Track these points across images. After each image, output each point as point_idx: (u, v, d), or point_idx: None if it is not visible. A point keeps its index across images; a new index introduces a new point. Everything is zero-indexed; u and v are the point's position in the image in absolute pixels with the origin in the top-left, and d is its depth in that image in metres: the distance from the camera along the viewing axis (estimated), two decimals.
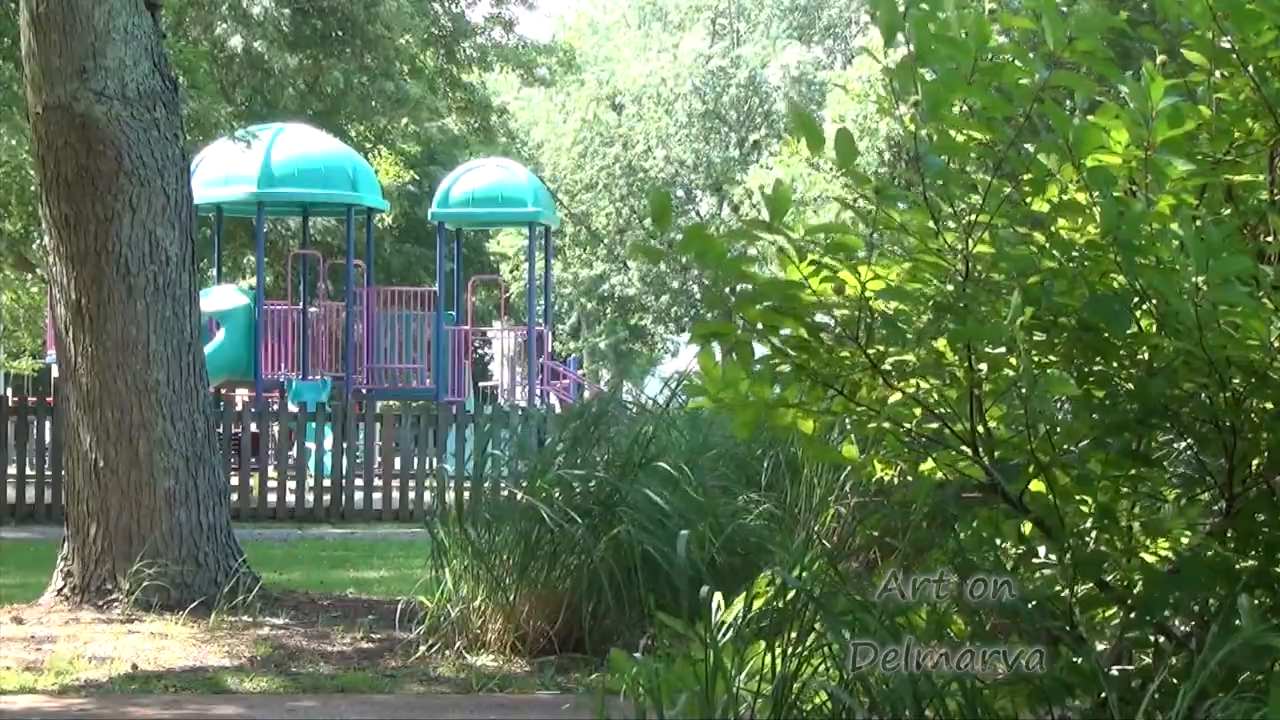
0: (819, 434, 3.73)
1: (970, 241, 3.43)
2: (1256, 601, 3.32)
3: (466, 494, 7.29)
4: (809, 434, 3.66)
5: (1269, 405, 3.45)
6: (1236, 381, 3.34)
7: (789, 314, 3.45)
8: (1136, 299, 3.36)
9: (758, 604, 4.15)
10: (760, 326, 3.49)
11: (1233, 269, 3.13)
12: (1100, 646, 3.64)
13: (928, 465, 3.73)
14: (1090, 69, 3.46)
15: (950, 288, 3.47)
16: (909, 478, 3.86)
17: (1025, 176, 3.49)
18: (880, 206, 3.41)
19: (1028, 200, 3.51)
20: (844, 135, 3.41)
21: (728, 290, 3.48)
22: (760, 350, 3.61)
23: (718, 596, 4.26)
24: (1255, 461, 3.55)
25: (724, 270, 3.43)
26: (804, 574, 4.08)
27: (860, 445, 3.96)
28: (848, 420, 3.81)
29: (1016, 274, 3.39)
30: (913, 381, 3.58)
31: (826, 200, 28.01)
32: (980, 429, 3.54)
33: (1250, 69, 3.52)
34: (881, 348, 3.54)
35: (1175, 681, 3.28)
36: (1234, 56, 3.56)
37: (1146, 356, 3.49)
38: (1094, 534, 3.65)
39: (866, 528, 4.29)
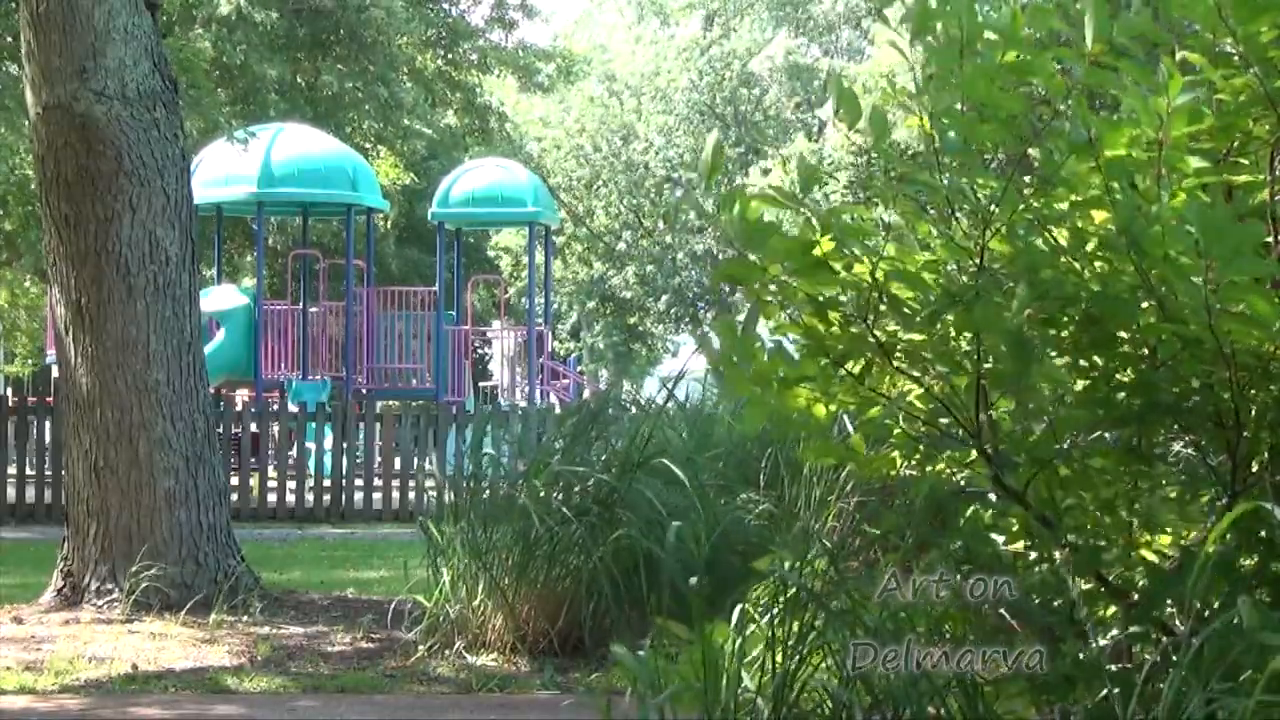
0: (826, 426, 3.72)
1: (986, 234, 3.43)
2: (1258, 599, 3.33)
3: (464, 493, 7.28)
4: (820, 420, 3.66)
5: (1271, 402, 3.46)
6: (1242, 373, 3.34)
7: (810, 276, 3.44)
8: (1144, 292, 3.36)
9: (759, 591, 4.16)
10: (775, 288, 3.49)
11: (1241, 243, 3.12)
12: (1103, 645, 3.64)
13: (938, 465, 3.74)
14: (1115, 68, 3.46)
15: (964, 278, 3.47)
16: (914, 473, 3.86)
17: (1031, 177, 3.49)
18: (899, 194, 3.41)
19: (1039, 202, 3.51)
20: (878, 113, 3.41)
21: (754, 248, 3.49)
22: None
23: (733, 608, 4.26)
24: (1257, 461, 3.55)
25: (755, 232, 3.42)
26: (804, 571, 4.07)
27: (865, 443, 3.96)
28: (850, 420, 3.81)
29: (1027, 268, 3.39)
30: (921, 367, 3.58)
31: (828, 196, 27.99)
32: (984, 419, 3.54)
33: (1254, 67, 3.51)
34: (892, 330, 3.54)
35: (1168, 674, 3.28)
36: (1235, 57, 3.57)
37: (1148, 352, 3.49)
38: (1094, 529, 3.65)
39: (874, 528, 4.27)
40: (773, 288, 3.50)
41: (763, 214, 3.48)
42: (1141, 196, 3.33)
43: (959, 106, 3.42)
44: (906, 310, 3.50)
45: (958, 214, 3.50)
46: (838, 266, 3.46)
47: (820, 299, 3.50)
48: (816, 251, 3.44)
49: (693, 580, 4.21)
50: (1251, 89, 3.58)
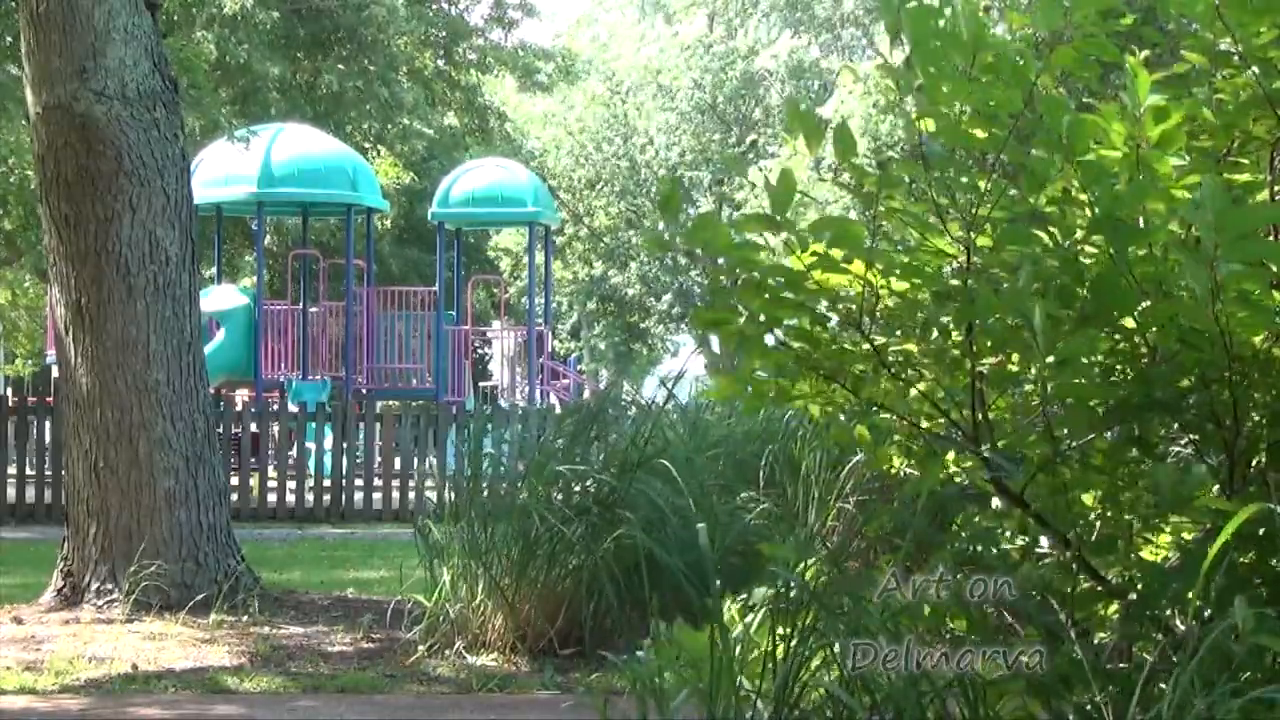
0: (833, 416, 3.73)
1: (972, 234, 3.44)
2: (1256, 596, 3.33)
3: (464, 493, 7.28)
4: (816, 418, 3.67)
5: (1269, 399, 3.46)
6: (1239, 365, 3.34)
7: (792, 302, 3.44)
8: (1138, 292, 3.36)
9: (758, 591, 4.16)
10: (763, 318, 3.49)
11: (1251, 221, 3.12)
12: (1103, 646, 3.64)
13: (937, 466, 3.73)
14: (1089, 55, 3.46)
15: (954, 281, 3.47)
16: (914, 472, 3.86)
17: (1022, 175, 3.49)
18: (883, 190, 3.41)
19: (1029, 198, 3.51)
20: (843, 129, 3.42)
21: (733, 276, 3.49)
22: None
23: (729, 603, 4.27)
24: (1256, 460, 3.56)
25: (731, 258, 3.43)
26: (804, 572, 4.07)
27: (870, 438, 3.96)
28: (846, 416, 3.81)
29: (1020, 262, 3.39)
30: (915, 371, 3.58)
31: (826, 204, 28.00)
32: (980, 418, 3.54)
33: (1254, 68, 3.52)
34: (884, 338, 3.54)
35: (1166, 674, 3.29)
36: (1235, 56, 3.57)
37: (1145, 349, 3.49)
38: (1097, 525, 3.65)
39: (875, 528, 4.28)
40: (761, 317, 3.50)
41: (740, 238, 3.49)
42: (1117, 199, 3.33)
43: (936, 113, 3.42)
44: (915, 304, 3.48)
45: (946, 216, 3.50)
46: (821, 275, 3.46)
47: (813, 311, 3.49)
48: (795, 264, 3.44)
49: (716, 583, 4.20)
50: (1251, 89, 3.58)
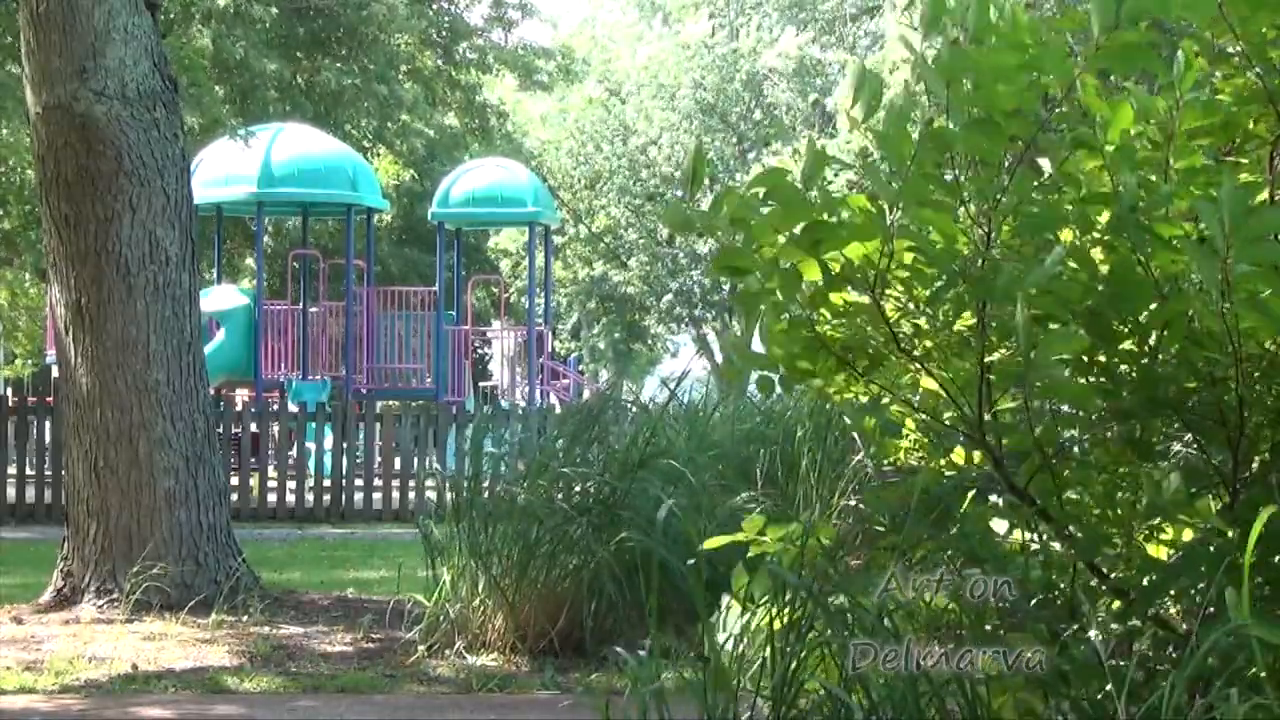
0: (858, 406, 3.72)
1: (992, 221, 3.43)
2: (1258, 592, 3.33)
3: (465, 493, 7.28)
4: (841, 404, 3.66)
5: (1272, 400, 3.46)
6: (1247, 365, 3.34)
7: (813, 244, 3.41)
8: (1147, 285, 3.36)
9: (754, 547, 4.16)
10: (786, 266, 3.47)
11: (1266, 225, 3.12)
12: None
13: (943, 460, 3.73)
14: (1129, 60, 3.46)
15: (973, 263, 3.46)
16: (919, 461, 3.86)
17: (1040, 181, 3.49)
18: (919, 160, 3.38)
19: (1050, 195, 3.51)
20: (903, 101, 3.37)
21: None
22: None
23: (725, 600, 4.26)
24: (1258, 460, 3.55)
25: (747, 234, 3.41)
26: (801, 569, 4.07)
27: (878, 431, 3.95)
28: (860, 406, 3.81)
29: (1039, 246, 3.39)
30: (924, 346, 3.56)
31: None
32: (985, 410, 3.53)
33: (1256, 67, 3.52)
34: (896, 314, 3.53)
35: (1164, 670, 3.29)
36: (1235, 57, 3.57)
37: (1150, 347, 3.49)
38: (1095, 524, 3.65)
39: (877, 514, 4.24)
40: (783, 265, 3.47)
41: (760, 193, 3.46)
42: (1146, 190, 3.33)
43: (969, 87, 3.41)
44: (928, 277, 3.46)
45: (968, 200, 3.48)
46: (844, 234, 3.44)
47: (827, 273, 3.46)
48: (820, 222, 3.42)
49: (690, 561, 4.20)
50: (1251, 87, 3.59)
